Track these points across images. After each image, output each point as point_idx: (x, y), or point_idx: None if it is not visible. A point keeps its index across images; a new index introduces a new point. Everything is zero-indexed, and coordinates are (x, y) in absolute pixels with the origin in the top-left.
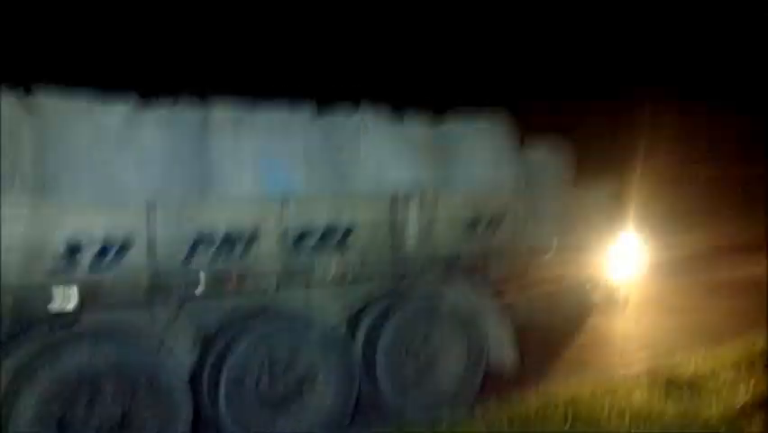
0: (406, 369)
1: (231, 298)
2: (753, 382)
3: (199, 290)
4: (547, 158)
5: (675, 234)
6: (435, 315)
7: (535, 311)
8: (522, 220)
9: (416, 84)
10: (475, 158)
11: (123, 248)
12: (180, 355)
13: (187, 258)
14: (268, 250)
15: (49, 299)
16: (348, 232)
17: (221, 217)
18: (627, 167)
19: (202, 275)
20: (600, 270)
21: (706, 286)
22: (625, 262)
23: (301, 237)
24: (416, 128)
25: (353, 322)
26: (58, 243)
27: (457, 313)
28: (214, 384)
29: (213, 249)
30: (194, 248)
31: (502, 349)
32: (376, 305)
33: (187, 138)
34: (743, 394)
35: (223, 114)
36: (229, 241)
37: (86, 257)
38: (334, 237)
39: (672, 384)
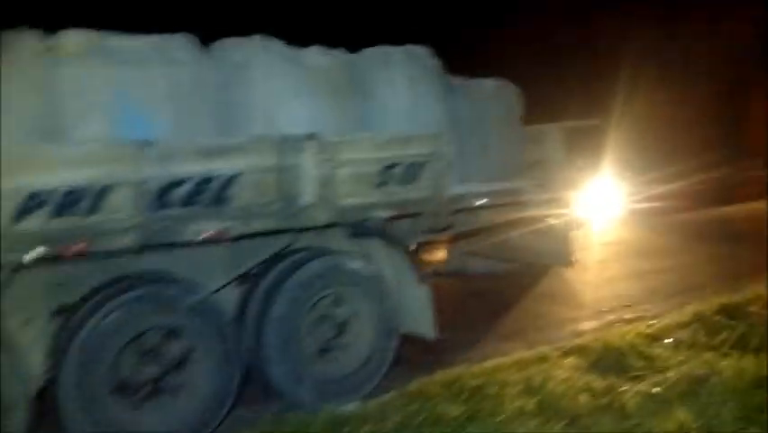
0: (300, 346)
1: (82, 264)
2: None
3: (32, 257)
4: (493, 94)
5: (647, 176)
6: (337, 280)
7: (476, 267)
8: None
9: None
10: (395, 93)
11: None
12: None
13: (16, 218)
14: (123, 205)
15: None
16: (227, 182)
17: (58, 169)
18: (599, 104)
19: (35, 238)
20: (561, 214)
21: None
22: (593, 205)
23: (166, 189)
24: (321, 60)
25: (239, 289)
26: None
27: (363, 277)
28: (58, 371)
29: (50, 207)
30: (25, 206)
31: (420, 320)
32: (266, 268)
33: (24, 74)
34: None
35: (71, 42)
36: (71, 196)
37: None
38: (209, 189)
39: (608, 353)
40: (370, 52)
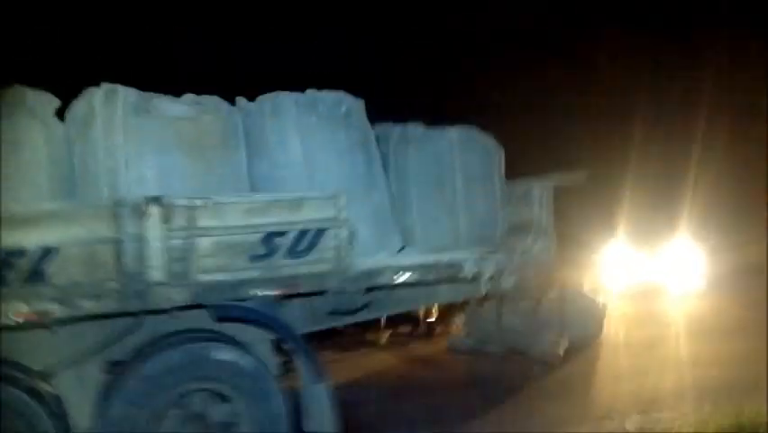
0: None
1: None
2: None
3: None
4: (459, 145)
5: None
6: (202, 374)
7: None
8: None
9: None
10: (285, 147)
11: None
12: None
13: None
14: None
15: None
16: (43, 256)
17: None
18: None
19: None
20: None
21: None
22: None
23: None
24: (181, 110)
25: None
26: None
27: (237, 371)
28: None
29: None
30: None
31: (321, 423)
32: (94, 361)
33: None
34: None
35: None
36: None
37: None
38: (21, 264)
39: None
40: (258, 101)
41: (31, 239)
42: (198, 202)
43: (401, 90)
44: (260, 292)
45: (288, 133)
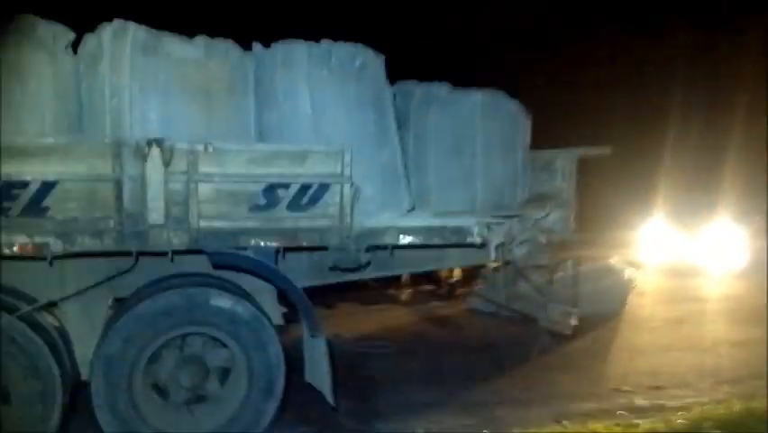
0: (132, 395)
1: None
2: None
3: None
4: (482, 109)
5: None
6: (196, 319)
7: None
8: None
9: None
10: (295, 98)
11: None
12: None
13: None
14: None
15: None
16: (41, 190)
17: None
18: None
19: None
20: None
21: None
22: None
23: None
24: (191, 52)
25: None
26: None
27: (232, 319)
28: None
29: None
30: None
31: (319, 377)
32: (100, 297)
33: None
34: None
35: None
36: None
37: None
38: (21, 195)
39: None
40: (272, 48)
41: (31, 171)
42: (200, 147)
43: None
44: (259, 242)
45: (298, 84)
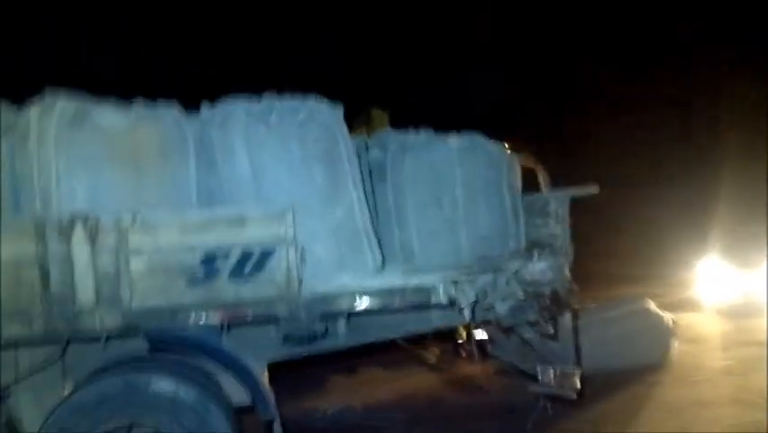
0: None
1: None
2: None
3: None
4: (459, 155)
5: None
6: (134, 407)
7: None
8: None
9: None
10: (233, 161)
11: None
12: None
13: None
14: None
15: None
16: None
17: None
18: None
19: None
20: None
21: None
22: None
23: None
24: (118, 121)
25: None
26: None
27: (173, 405)
28: None
29: None
30: None
31: None
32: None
33: None
34: None
35: None
36: None
37: None
38: None
39: None
40: (211, 109)
41: None
42: (126, 220)
43: None
44: (200, 319)
45: (235, 145)
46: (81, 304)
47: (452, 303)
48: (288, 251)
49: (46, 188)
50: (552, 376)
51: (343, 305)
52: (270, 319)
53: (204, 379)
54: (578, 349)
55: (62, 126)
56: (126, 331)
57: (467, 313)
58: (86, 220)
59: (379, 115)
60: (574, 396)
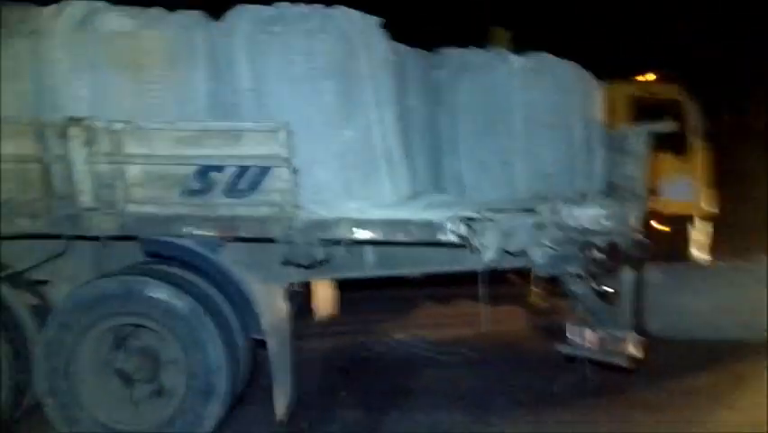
0: (73, 381)
1: None
2: None
3: None
4: (524, 74)
5: None
6: (130, 308)
7: None
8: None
9: None
10: (239, 72)
11: None
12: None
13: None
14: None
15: None
16: None
17: None
18: None
19: None
20: None
21: None
22: None
23: None
24: (123, 23)
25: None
26: None
27: (168, 312)
28: None
29: None
30: None
31: None
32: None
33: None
34: None
35: None
36: None
37: None
38: None
39: None
40: (222, 19)
41: None
42: (120, 126)
43: None
44: (194, 231)
45: (237, 55)
46: (80, 205)
47: (465, 244)
48: (282, 171)
49: (54, 91)
50: (583, 337)
51: (340, 233)
52: (266, 240)
53: (199, 293)
54: (638, 311)
55: (68, 29)
56: (123, 235)
57: (485, 256)
58: (81, 123)
59: (500, 34)
60: (625, 364)
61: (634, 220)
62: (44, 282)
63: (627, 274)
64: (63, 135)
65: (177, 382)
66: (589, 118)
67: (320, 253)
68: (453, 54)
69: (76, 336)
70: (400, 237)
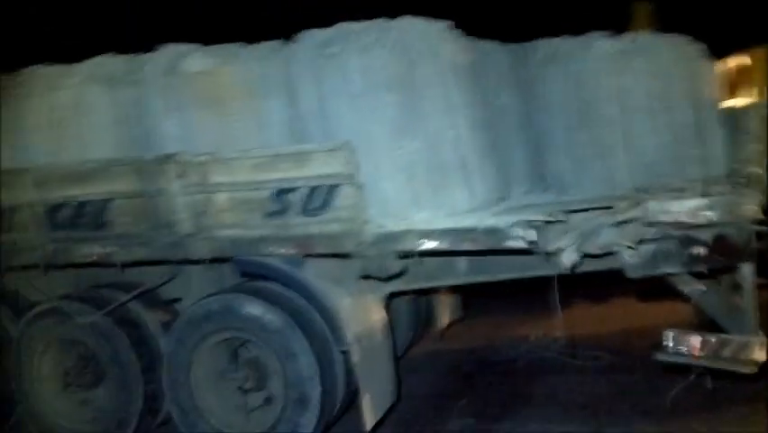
0: (190, 389)
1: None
2: None
3: None
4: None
5: None
6: (232, 324)
7: None
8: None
9: None
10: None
11: None
12: None
13: None
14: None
15: None
16: (101, 207)
17: None
18: None
19: None
20: None
21: None
22: None
23: (51, 212)
24: (203, 63)
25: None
26: None
27: (263, 327)
28: None
29: None
30: None
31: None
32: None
33: None
34: None
35: None
36: None
37: None
38: (87, 213)
39: None
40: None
41: (88, 191)
42: (204, 158)
43: None
44: (273, 250)
45: (301, 80)
46: (180, 232)
47: (533, 250)
48: (348, 188)
49: (151, 130)
50: (687, 343)
51: (408, 245)
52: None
53: (291, 307)
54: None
55: (158, 73)
56: (217, 258)
57: (562, 260)
58: (173, 159)
59: (643, 9)
60: (748, 370)
61: (750, 208)
62: (178, 300)
63: (747, 270)
64: (160, 171)
65: (279, 391)
66: (699, 98)
67: (395, 266)
68: (542, 45)
69: (190, 350)
70: (467, 246)
